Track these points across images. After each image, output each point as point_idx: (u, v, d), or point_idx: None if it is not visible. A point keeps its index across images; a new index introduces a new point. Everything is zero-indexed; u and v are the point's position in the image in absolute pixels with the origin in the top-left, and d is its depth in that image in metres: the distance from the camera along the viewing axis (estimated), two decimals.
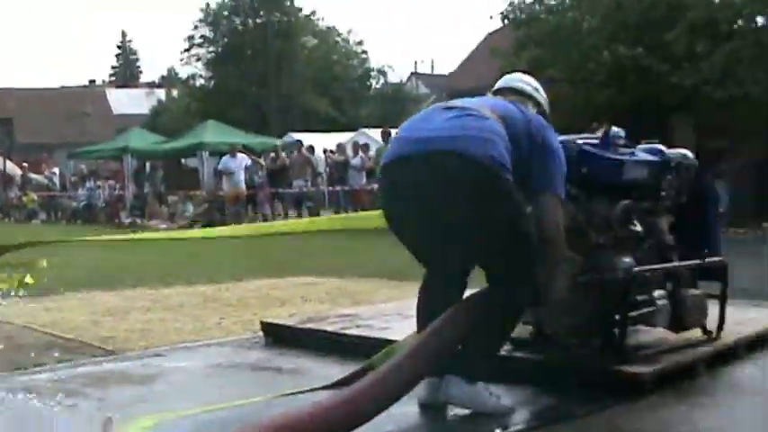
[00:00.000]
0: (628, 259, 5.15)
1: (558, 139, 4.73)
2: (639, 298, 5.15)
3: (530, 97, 4.98)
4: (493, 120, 4.43)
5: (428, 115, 4.60)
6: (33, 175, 35.19)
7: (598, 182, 5.20)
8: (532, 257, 4.43)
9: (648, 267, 5.27)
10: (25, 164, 36.52)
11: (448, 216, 4.31)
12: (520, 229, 4.37)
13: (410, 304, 7.49)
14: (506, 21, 25.61)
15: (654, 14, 23.75)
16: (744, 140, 23.34)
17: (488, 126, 4.38)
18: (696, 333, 5.57)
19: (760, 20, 21.93)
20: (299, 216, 24.97)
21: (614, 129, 5.38)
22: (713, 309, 5.63)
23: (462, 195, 4.26)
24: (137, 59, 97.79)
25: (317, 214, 24.96)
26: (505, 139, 4.37)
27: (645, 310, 5.17)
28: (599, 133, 5.40)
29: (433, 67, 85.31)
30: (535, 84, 5.12)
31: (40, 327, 7.49)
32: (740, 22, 21.82)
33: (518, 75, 5.22)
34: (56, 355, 6.34)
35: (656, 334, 5.50)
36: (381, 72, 63.96)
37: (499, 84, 5.12)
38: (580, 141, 5.24)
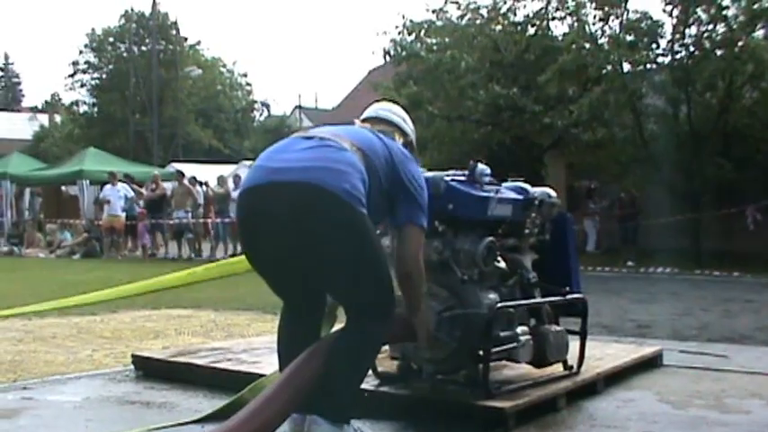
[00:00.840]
0: (492, 295, 5.22)
1: (419, 170, 4.69)
2: (503, 334, 5.19)
3: (396, 127, 4.96)
4: (351, 152, 4.36)
5: (286, 145, 4.50)
6: None
7: (464, 218, 5.23)
8: (387, 292, 4.35)
9: (512, 303, 5.32)
10: None
11: (299, 248, 4.24)
12: (371, 264, 4.29)
13: None
14: (388, 57, 25.85)
15: (528, 56, 24.45)
16: (611, 181, 24.34)
17: (345, 158, 4.31)
18: (558, 368, 5.66)
19: (626, 66, 22.75)
20: (180, 247, 24.82)
21: (480, 166, 5.39)
22: (574, 344, 5.75)
23: (314, 227, 4.18)
24: (19, 83, 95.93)
25: (198, 246, 24.79)
26: (362, 171, 4.31)
27: (508, 345, 5.21)
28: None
29: (316, 100, 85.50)
30: (403, 114, 5.09)
31: None
32: (608, 67, 22.57)
33: (386, 104, 5.19)
34: None
35: (519, 369, 5.59)
36: (265, 104, 64.11)
37: (368, 112, 5.06)
38: (447, 178, 5.26)
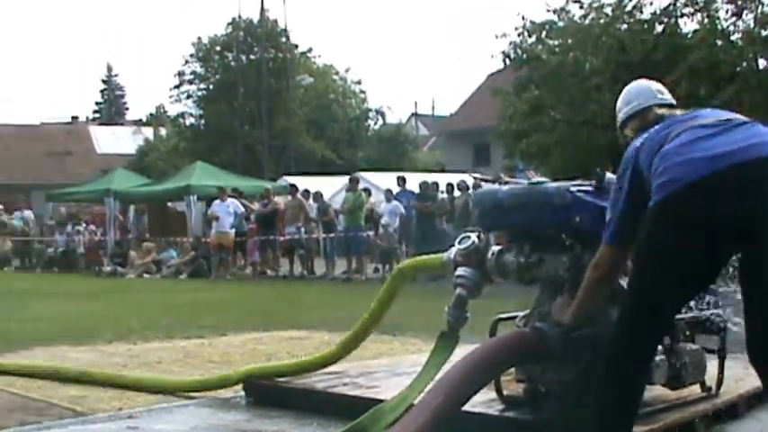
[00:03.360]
0: None
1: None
2: None
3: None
4: None
5: (699, 134, 4.37)
6: (6, 218, 33.50)
7: (591, 231, 5.10)
8: None
9: None
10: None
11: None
12: None
13: (401, 361, 7.54)
14: (508, 60, 25.73)
15: (656, 56, 24.14)
16: None
17: None
18: (695, 389, 5.58)
19: (762, 62, 22.35)
20: (291, 264, 25.01)
21: (609, 175, 5.27)
22: (712, 364, 5.66)
23: None
24: (123, 95, 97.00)
25: (311, 263, 24.93)
26: None
27: None
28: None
29: (433, 107, 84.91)
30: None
31: (5, 386, 7.36)
32: (743, 64, 22.21)
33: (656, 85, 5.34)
34: (19, 417, 6.21)
35: (654, 391, 5.48)
36: (380, 112, 63.94)
37: (663, 98, 5.28)
38: (573, 189, 5.22)
